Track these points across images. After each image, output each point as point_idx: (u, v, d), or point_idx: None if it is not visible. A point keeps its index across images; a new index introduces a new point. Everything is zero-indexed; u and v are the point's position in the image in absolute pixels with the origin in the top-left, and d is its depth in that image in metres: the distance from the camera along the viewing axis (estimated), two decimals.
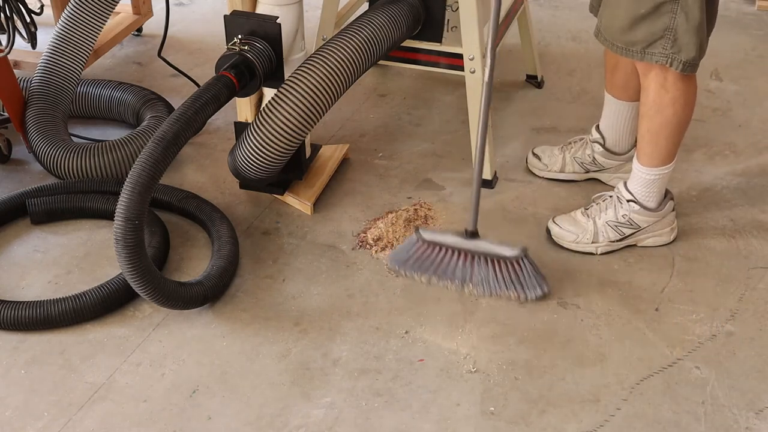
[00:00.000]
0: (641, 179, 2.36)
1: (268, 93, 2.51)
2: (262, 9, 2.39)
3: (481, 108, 2.21)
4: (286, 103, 2.28)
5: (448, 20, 2.62)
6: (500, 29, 2.80)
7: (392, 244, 2.44)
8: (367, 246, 2.45)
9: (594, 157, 2.65)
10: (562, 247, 2.44)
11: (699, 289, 2.32)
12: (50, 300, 2.18)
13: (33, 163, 2.76)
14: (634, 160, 2.36)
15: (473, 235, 2.26)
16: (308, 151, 2.66)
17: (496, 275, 2.24)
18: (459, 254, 2.26)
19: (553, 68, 3.34)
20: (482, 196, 2.61)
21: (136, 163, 2.01)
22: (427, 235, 2.27)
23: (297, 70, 2.31)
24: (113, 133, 2.93)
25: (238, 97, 2.33)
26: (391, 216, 2.53)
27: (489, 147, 2.63)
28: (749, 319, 2.22)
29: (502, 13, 2.83)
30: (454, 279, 2.26)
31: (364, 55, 2.35)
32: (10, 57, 2.69)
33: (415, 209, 2.57)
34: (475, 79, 2.57)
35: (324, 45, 2.35)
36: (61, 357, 2.11)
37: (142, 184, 1.99)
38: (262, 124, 2.30)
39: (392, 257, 2.34)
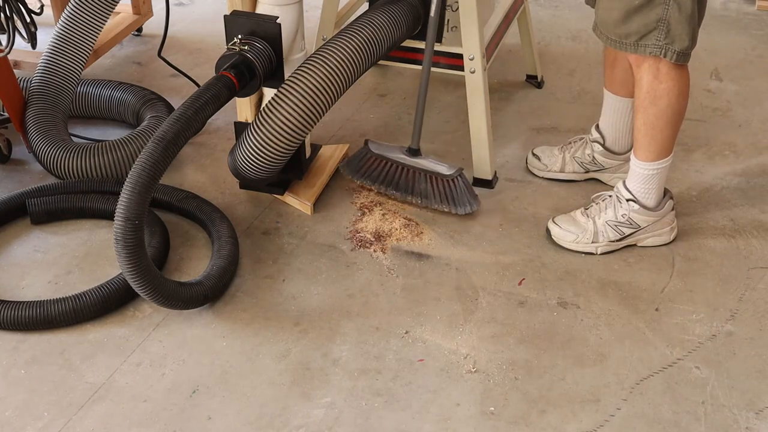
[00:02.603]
0: (639, 175, 2.36)
1: (268, 93, 2.51)
2: (262, 9, 2.39)
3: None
4: (286, 103, 2.28)
5: (448, 20, 2.62)
6: (500, 29, 2.80)
7: (390, 239, 2.46)
8: (367, 245, 2.45)
9: (594, 157, 2.65)
10: (562, 247, 2.44)
11: (699, 289, 2.32)
12: (50, 300, 2.18)
13: (33, 163, 2.76)
14: (632, 156, 2.37)
15: (416, 152, 2.54)
16: (308, 151, 2.66)
17: (433, 190, 2.51)
18: (403, 168, 2.55)
19: (553, 68, 3.34)
20: (482, 197, 2.63)
21: (136, 163, 2.01)
22: (375, 148, 2.57)
23: (297, 70, 2.31)
24: (113, 133, 2.93)
25: (238, 97, 2.33)
26: (379, 210, 2.57)
27: (489, 147, 2.63)
28: (749, 319, 2.22)
29: (502, 13, 2.83)
30: (398, 190, 2.55)
31: (364, 55, 2.35)
32: (10, 57, 2.69)
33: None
34: (475, 78, 2.57)
35: (324, 45, 2.35)
36: (61, 357, 2.11)
37: (142, 184, 1.99)
38: (262, 124, 2.30)
39: (346, 165, 2.62)
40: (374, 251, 2.43)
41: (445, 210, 2.50)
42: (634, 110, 2.33)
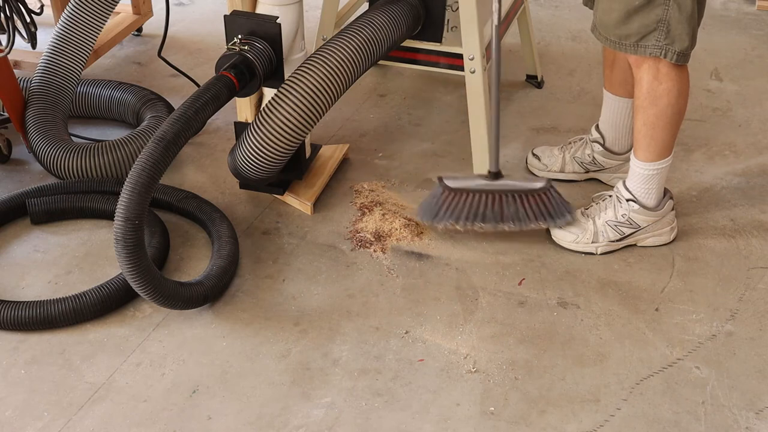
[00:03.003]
0: (639, 175, 2.36)
1: (268, 93, 2.51)
2: (262, 9, 2.39)
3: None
4: (286, 103, 2.28)
5: (448, 20, 2.62)
6: (500, 29, 2.80)
7: (390, 239, 2.45)
8: (367, 245, 2.45)
9: (594, 157, 2.65)
10: (562, 247, 2.44)
11: (699, 289, 2.32)
12: (50, 300, 2.18)
13: (33, 163, 2.76)
14: (632, 156, 2.37)
15: (497, 175, 2.34)
16: (308, 151, 2.66)
17: (525, 210, 2.34)
18: (487, 196, 2.34)
19: (553, 68, 3.34)
20: None
21: (136, 163, 2.01)
22: (452, 183, 2.33)
23: (297, 70, 2.31)
24: (113, 133, 2.93)
25: (238, 97, 2.33)
26: (379, 210, 2.56)
27: (489, 147, 2.63)
28: (749, 319, 2.22)
29: (502, 13, 2.83)
30: (486, 220, 2.34)
31: (364, 55, 2.35)
32: (10, 57, 2.69)
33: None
34: (475, 78, 2.57)
35: (324, 45, 2.36)
36: (61, 357, 2.11)
37: (142, 184, 1.99)
38: (262, 124, 2.30)
39: (423, 212, 2.39)
40: (374, 251, 2.43)
41: (543, 226, 2.37)
42: (633, 111, 2.33)
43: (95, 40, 2.81)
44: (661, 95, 2.24)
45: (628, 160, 2.58)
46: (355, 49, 2.34)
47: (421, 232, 2.49)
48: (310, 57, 2.34)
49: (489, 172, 2.36)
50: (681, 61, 2.19)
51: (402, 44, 2.60)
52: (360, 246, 2.45)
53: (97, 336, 2.17)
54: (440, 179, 2.33)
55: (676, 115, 2.28)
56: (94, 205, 2.52)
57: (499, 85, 2.33)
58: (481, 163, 2.65)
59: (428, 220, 2.38)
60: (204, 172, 2.77)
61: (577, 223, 2.43)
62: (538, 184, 2.35)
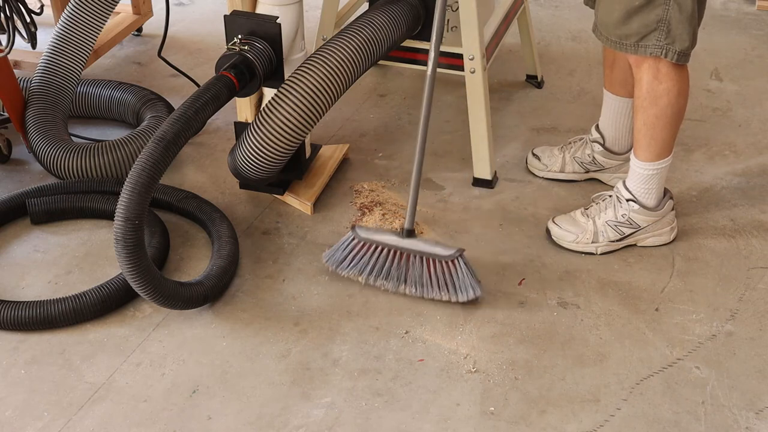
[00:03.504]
0: (639, 175, 2.36)
1: (268, 93, 2.51)
2: (262, 9, 2.39)
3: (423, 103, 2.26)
4: (286, 103, 2.28)
5: (448, 20, 2.62)
6: (500, 29, 2.80)
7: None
8: None
9: (594, 157, 2.65)
10: (562, 247, 2.44)
11: (699, 289, 2.32)
12: (50, 300, 2.18)
13: (33, 163, 2.76)
14: (632, 156, 2.37)
15: (409, 233, 2.24)
16: (308, 151, 2.66)
17: (429, 275, 2.21)
18: (395, 253, 2.24)
19: (553, 68, 3.34)
20: (482, 197, 2.63)
21: (136, 163, 2.01)
22: (363, 233, 2.25)
23: (297, 70, 2.31)
24: (113, 133, 2.93)
25: (238, 97, 2.33)
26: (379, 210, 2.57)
27: (489, 147, 2.63)
28: (749, 319, 2.22)
29: (502, 13, 2.83)
30: (389, 278, 2.24)
31: (364, 55, 2.35)
32: (10, 57, 2.69)
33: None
34: (475, 78, 2.57)
35: (324, 45, 2.35)
36: (61, 357, 2.11)
37: (142, 184, 1.99)
38: (262, 124, 2.30)
39: (328, 255, 2.30)
40: None
41: (444, 299, 2.21)
42: (633, 110, 2.33)
43: (95, 40, 2.81)
44: (660, 95, 2.24)
45: (628, 160, 2.58)
46: (355, 49, 2.34)
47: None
48: (310, 57, 2.34)
49: (402, 228, 2.25)
50: (682, 60, 2.19)
51: (402, 44, 2.60)
52: None
53: (97, 336, 2.17)
54: (353, 227, 2.26)
55: (676, 115, 2.28)
56: (94, 205, 2.52)
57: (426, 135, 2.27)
58: (481, 162, 2.66)
59: (332, 266, 2.29)
60: (204, 172, 2.77)
61: (577, 223, 2.43)
62: (448, 252, 2.20)
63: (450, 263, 2.21)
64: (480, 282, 2.23)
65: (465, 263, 2.21)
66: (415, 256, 2.23)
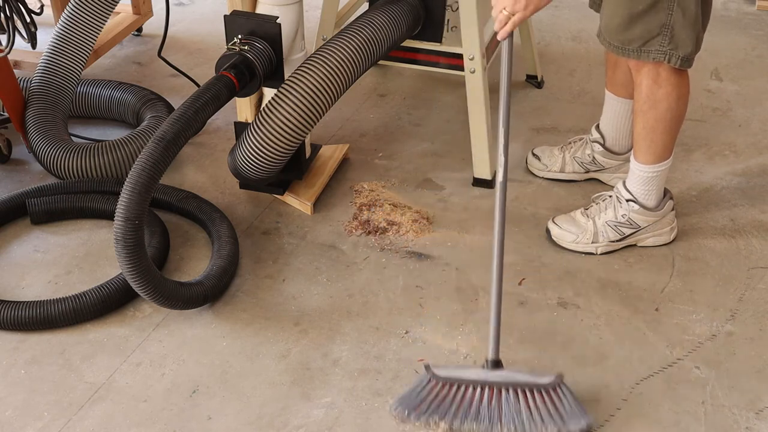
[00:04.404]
0: (639, 177, 2.36)
1: (268, 93, 2.51)
2: (262, 9, 2.39)
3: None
4: (286, 103, 2.28)
5: (448, 20, 2.62)
6: None
7: (400, 227, 2.45)
8: (374, 232, 2.46)
9: (594, 157, 2.65)
10: (562, 248, 2.44)
11: (699, 289, 2.32)
12: (50, 300, 2.18)
13: (33, 163, 2.76)
14: (632, 158, 2.37)
15: (496, 364, 1.95)
16: (308, 151, 2.66)
17: (530, 409, 1.89)
18: (482, 389, 1.91)
19: (553, 68, 3.34)
20: (482, 197, 2.63)
21: (136, 163, 2.01)
22: (441, 372, 1.93)
23: (297, 70, 2.31)
24: (113, 133, 2.93)
25: (238, 97, 2.33)
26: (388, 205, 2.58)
27: (489, 147, 2.63)
28: (749, 319, 2.22)
29: None
30: (479, 420, 1.88)
31: (364, 55, 2.35)
32: (10, 57, 2.69)
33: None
34: (475, 78, 2.57)
35: (324, 45, 2.36)
36: (61, 357, 2.11)
37: (142, 184, 1.99)
38: (262, 124, 2.30)
39: (401, 402, 1.94)
40: (372, 247, 2.43)
41: None
42: (633, 114, 2.32)
43: (95, 40, 2.81)
44: (660, 99, 2.23)
45: (628, 160, 2.58)
46: (355, 49, 2.34)
47: (422, 230, 2.49)
48: (310, 57, 2.34)
49: (486, 360, 1.96)
50: (685, 65, 2.18)
51: (402, 44, 2.60)
52: (366, 233, 2.47)
53: (97, 336, 2.17)
54: (427, 367, 1.93)
55: (675, 119, 2.27)
56: (94, 205, 2.52)
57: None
58: (481, 162, 2.66)
59: (405, 413, 1.91)
60: (204, 172, 2.77)
61: (577, 223, 2.43)
62: (547, 379, 1.90)
63: (552, 391, 1.90)
64: (585, 408, 1.92)
65: (568, 389, 1.91)
66: (508, 390, 1.91)
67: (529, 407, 1.88)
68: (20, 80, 2.81)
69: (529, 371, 1.96)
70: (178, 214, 2.56)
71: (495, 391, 1.90)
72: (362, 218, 2.54)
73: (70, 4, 2.76)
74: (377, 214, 2.54)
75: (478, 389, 1.91)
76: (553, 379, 1.90)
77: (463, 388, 1.91)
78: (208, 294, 2.22)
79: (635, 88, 2.27)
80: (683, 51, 2.15)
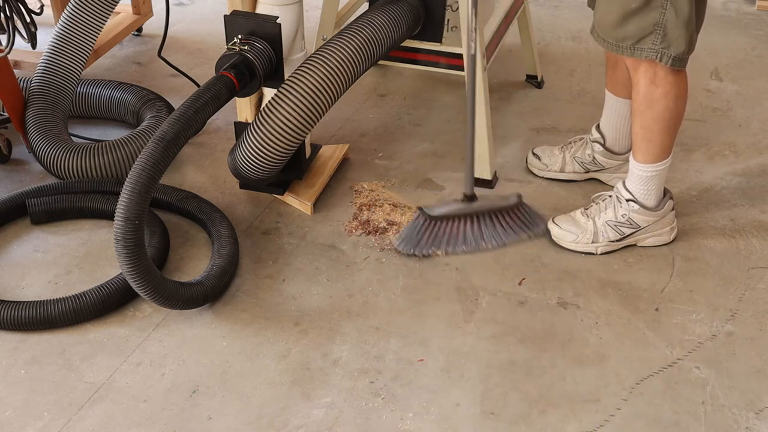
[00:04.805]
0: (639, 177, 2.36)
1: (268, 93, 2.51)
2: (262, 9, 2.39)
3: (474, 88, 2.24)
4: (286, 103, 2.28)
5: (448, 20, 2.62)
6: (500, 29, 2.80)
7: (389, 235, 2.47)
8: (374, 232, 2.47)
9: (594, 157, 2.65)
10: (562, 247, 2.44)
11: (699, 289, 2.32)
12: (50, 300, 2.18)
13: (33, 163, 2.76)
14: (631, 158, 2.37)
15: (472, 198, 2.29)
16: (308, 151, 2.66)
17: (503, 226, 2.27)
18: (465, 219, 2.27)
19: (553, 68, 3.34)
20: (482, 197, 2.62)
21: (135, 163, 2.01)
22: (432, 212, 2.28)
23: (297, 70, 2.31)
24: (113, 133, 2.93)
25: (238, 97, 2.33)
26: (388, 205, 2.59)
27: (489, 147, 2.63)
28: (749, 319, 2.22)
29: (502, 13, 2.84)
30: (467, 243, 2.26)
31: (364, 55, 2.35)
32: (10, 57, 2.69)
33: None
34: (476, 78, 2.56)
35: (324, 45, 2.36)
36: (61, 357, 2.11)
37: (142, 184, 1.99)
38: (262, 124, 2.30)
39: (404, 242, 2.28)
40: (372, 247, 2.43)
41: (525, 238, 2.28)
42: (632, 113, 2.32)
43: (95, 40, 2.81)
44: (658, 99, 2.23)
45: (628, 160, 2.58)
46: (355, 49, 2.34)
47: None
48: (310, 57, 2.34)
49: (465, 195, 2.28)
50: (677, 65, 2.18)
51: (402, 44, 2.60)
52: (366, 233, 2.47)
53: (97, 336, 2.17)
54: (420, 209, 2.27)
55: (673, 119, 2.27)
56: (94, 205, 2.52)
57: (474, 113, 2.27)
58: (481, 162, 2.66)
59: (410, 250, 2.27)
60: (204, 172, 2.77)
61: (577, 223, 2.43)
62: (512, 201, 2.28)
63: (516, 209, 2.27)
64: (543, 216, 2.32)
65: (526, 205, 2.29)
66: (484, 216, 2.28)
67: (502, 225, 2.26)
68: (20, 80, 2.81)
69: (497, 197, 2.42)
70: (178, 214, 2.56)
71: (475, 218, 2.26)
72: (362, 218, 2.54)
73: (70, 4, 2.76)
74: (377, 214, 2.55)
75: (462, 220, 2.26)
76: (516, 199, 2.27)
77: (450, 222, 2.26)
78: (208, 294, 2.22)
79: (633, 87, 2.28)
80: (676, 50, 2.16)
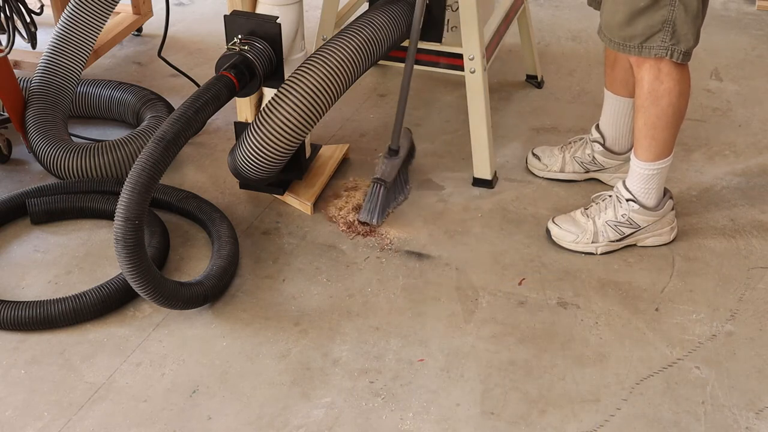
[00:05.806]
0: (639, 175, 2.36)
1: (268, 93, 2.51)
2: (262, 9, 2.39)
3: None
4: (286, 103, 2.28)
5: (448, 20, 2.62)
6: (500, 29, 2.80)
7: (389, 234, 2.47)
8: (363, 234, 2.47)
9: (594, 157, 2.65)
10: (562, 247, 2.44)
11: (699, 289, 2.32)
12: (50, 300, 2.18)
13: (33, 163, 2.76)
14: (632, 156, 2.37)
15: (396, 152, 2.57)
16: (308, 151, 2.66)
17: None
18: (398, 171, 2.58)
19: (553, 68, 3.34)
20: (482, 197, 2.64)
21: (136, 163, 2.01)
22: (388, 177, 2.53)
23: (297, 70, 2.31)
24: (113, 133, 2.93)
25: (238, 97, 2.33)
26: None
27: (489, 147, 2.63)
28: (749, 319, 2.22)
29: (502, 13, 2.84)
30: (404, 192, 2.63)
31: (364, 55, 2.35)
32: (10, 57, 2.69)
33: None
34: (475, 78, 2.57)
35: (324, 45, 2.35)
36: (61, 357, 2.11)
37: (142, 184, 1.99)
38: (262, 124, 2.30)
39: (370, 213, 2.50)
40: (372, 247, 2.43)
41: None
42: (634, 110, 2.32)
43: (95, 40, 2.81)
44: (662, 95, 2.24)
45: (628, 160, 2.58)
46: (355, 49, 2.34)
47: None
48: (310, 57, 2.34)
49: (389, 148, 2.56)
50: (685, 60, 2.19)
51: (402, 44, 2.60)
52: (352, 231, 2.49)
53: (97, 336, 2.17)
54: (378, 179, 2.51)
55: (677, 115, 2.28)
56: (94, 205, 2.52)
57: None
58: (481, 162, 2.66)
59: (374, 221, 2.50)
60: (204, 172, 2.77)
61: (577, 223, 2.43)
62: (407, 135, 2.64)
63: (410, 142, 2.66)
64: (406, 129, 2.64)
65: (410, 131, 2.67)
66: (405, 161, 2.62)
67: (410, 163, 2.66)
68: (20, 80, 2.81)
69: (405, 138, 2.62)
70: (178, 214, 2.56)
71: (402, 167, 2.59)
72: (348, 220, 2.54)
73: (70, 4, 2.76)
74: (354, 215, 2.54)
75: (398, 172, 2.56)
76: (408, 134, 2.64)
77: (392, 181, 2.54)
78: (208, 294, 2.22)
79: (636, 84, 2.27)
80: (685, 46, 2.16)
